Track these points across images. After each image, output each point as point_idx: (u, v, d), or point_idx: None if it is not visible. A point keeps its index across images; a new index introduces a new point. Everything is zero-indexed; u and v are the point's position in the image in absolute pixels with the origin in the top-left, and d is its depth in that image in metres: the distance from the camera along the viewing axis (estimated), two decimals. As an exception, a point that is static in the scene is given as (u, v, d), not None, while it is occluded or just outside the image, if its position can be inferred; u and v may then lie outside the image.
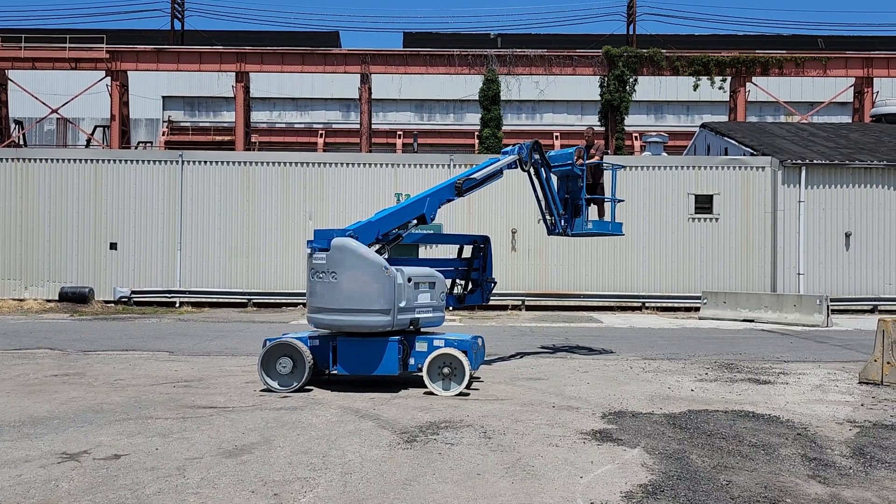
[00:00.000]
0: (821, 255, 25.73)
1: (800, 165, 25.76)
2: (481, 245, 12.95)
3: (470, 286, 12.91)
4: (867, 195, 25.84)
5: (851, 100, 41.65)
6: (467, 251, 13.20)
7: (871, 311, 24.94)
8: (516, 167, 12.46)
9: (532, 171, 12.66)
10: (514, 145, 12.74)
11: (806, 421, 8.34)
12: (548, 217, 13.06)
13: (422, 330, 10.42)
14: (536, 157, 12.57)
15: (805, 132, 31.30)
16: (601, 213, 13.66)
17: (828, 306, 20.87)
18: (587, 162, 13.04)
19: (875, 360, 10.84)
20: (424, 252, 23.32)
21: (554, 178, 13.13)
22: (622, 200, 14.78)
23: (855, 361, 13.25)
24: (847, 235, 25.73)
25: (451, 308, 12.47)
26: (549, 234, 13.52)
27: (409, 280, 9.85)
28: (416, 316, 10.00)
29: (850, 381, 11.18)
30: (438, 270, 12.57)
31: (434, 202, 11.26)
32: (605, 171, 13.58)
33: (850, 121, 41.96)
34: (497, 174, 12.21)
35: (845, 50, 43.77)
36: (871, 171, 25.85)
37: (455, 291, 12.73)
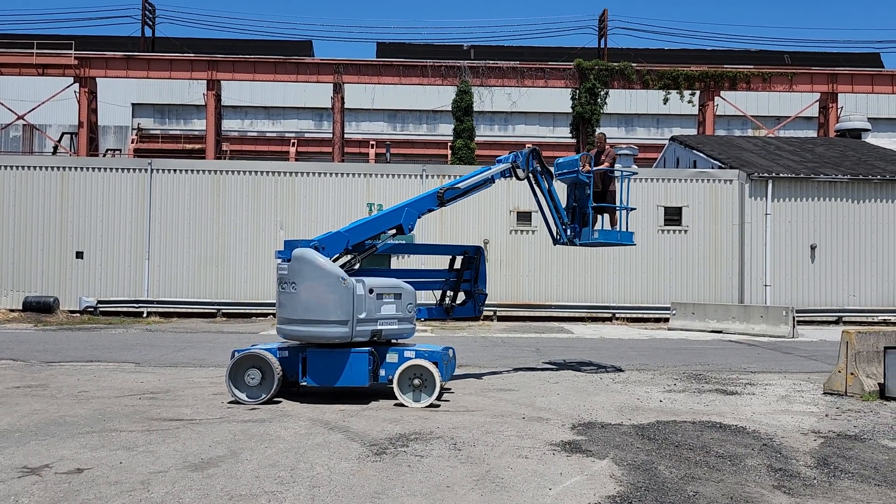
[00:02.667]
0: (787, 266, 26.17)
1: (766, 179, 26.20)
2: (472, 256, 12.54)
3: (460, 298, 12.50)
4: (832, 208, 26.36)
5: (817, 114, 42.49)
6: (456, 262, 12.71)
7: (836, 322, 25.39)
8: (510, 175, 12.12)
9: (532, 179, 12.31)
10: (510, 153, 12.42)
11: (772, 431, 8.45)
12: (552, 227, 12.68)
13: (393, 341, 10.38)
14: (535, 165, 12.20)
15: (772, 146, 31.86)
16: (613, 221, 13.05)
17: (794, 317, 21.21)
18: (594, 169, 12.57)
19: (839, 371, 11.02)
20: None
21: (562, 187, 12.73)
22: (633, 209, 14.12)
23: (820, 372, 13.47)
24: (812, 248, 26.20)
25: (423, 320, 12.35)
26: (554, 245, 13.07)
27: (371, 291, 9.76)
28: (379, 327, 9.86)
29: (814, 391, 11.36)
30: (427, 281, 12.46)
31: (413, 213, 11.09)
32: (614, 179, 13.01)
33: (815, 135, 42.77)
34: (486, 183, 11.94)
35: (811, 66, 44.68)
36: (835, 185, 26.38)
37: (445, 303, 12.37)
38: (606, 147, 13.15)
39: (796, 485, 6.37)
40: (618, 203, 13.01)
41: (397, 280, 10.36)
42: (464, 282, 12.46)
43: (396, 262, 23.58)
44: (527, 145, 42.12)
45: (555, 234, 12.74)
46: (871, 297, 26.19)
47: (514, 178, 12.26)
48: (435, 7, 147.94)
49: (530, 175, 12.29)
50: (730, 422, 8.95)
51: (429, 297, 12.76)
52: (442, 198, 11.39)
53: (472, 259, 12.54)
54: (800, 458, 7.26)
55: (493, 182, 12.13)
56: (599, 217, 13.00)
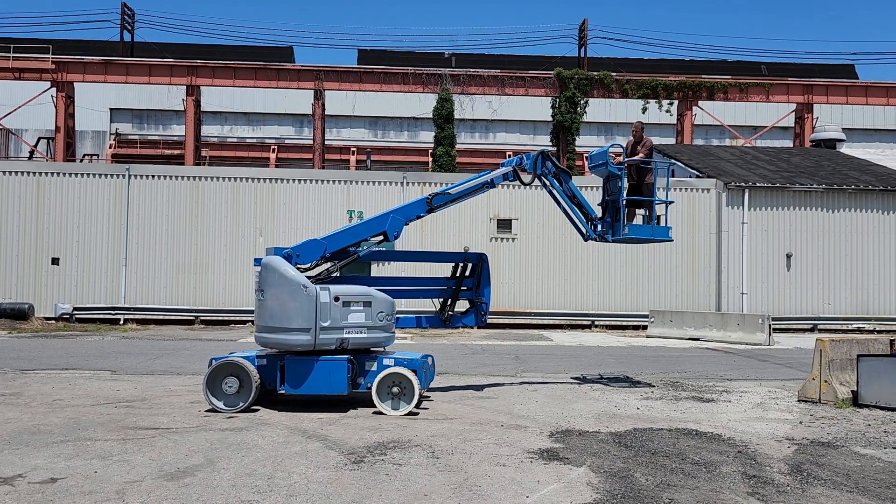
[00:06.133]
0: (763, 275, 26.46)
1: (743, 188, 26.51)
2: (475, 264, 12.00)
3: (462, 307, 12.05)
4: (807, 217, 26.72)
5: (793, 125, 43.08)
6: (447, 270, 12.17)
7: (811, 330, 25.70)
8: (513, 179, 11.68)
9: (547, 183, 11.85)
10: (517, 155, 12.01)
11: (747, 438, 8.54)
12: (578, 225, 12.08)
13: (372, 349, 10.36)
14: (550, 166, 11.70)
15: (748, 155, 32.24)
16: (651, 216, 12.14)
17: (770, 325, 21.44)
18: (625, 160, 11.91)
19: (813, 379, 11.17)
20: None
21: (578, 184, 12.23)
22: (671, 202, 13.36)
23: (794, 380, 13.63)
24: (788, 256, 26.52)
25: (411, 328, 12.09)
26: (584, 241, 12.33)
27: (337, 299, 9.71)
28: (345, 336, 9.75)
29: (789, 399, 11.49)
30: (425, 289, 12.25)
31: (398, 219, 10.93)
32: (651, 170, 12.14)
33: (791, 145, 43.36)
34: (484, 187, 11.57)
35: (787, 77, 45.26)
36: (810, 195, 26.74)
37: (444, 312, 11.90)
38: (643, 137, 12.37)
39: (770, 491, 6.45)
40: (654, 196, 12.17)
41: (367, 288, 10.17)
42: (465, 290, 11.99)
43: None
44: (507, 153, 41.88)
45: (583, 232, 12.10)
46: (845, 305, 26.55)
47: (518, 182, 11.77)
48: (416, 14, 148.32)
49: (543, 178, 11.79)
50: (706, 429, 9.03)
51: (428, 305, 12.52)
52: (430, 203, 11.12)
53: (476, 267, 12.03)
54: (774, 465, 7.35)
55: (494, 186, 11.72)
56: (640, 212, 12.25)
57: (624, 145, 12.44)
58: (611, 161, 11.77)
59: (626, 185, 11.92)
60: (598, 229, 11.97)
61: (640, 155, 12.15)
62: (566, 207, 12.06)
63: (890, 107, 46.05)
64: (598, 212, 12.21)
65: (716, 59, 53.34)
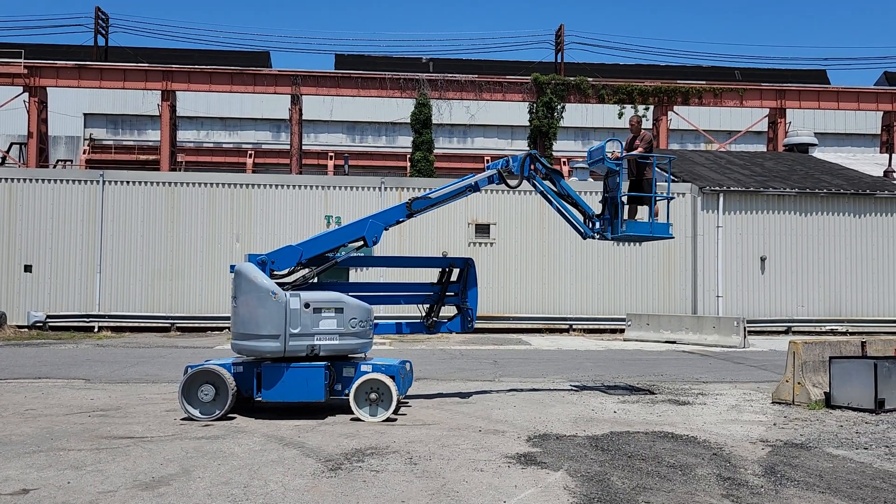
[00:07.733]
0: (738, 278, 26.75)
1: (718, 192, 26.80)
2: (459, 269, 11.84)
3: (449, 312, 11.93)
4: (780, 221, 27.06)
5: (766, 129, 43.64)
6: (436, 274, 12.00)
7: (786, 332, 26.02)
8: (499, 182, 11.52)
9: (538, 185, 11.63)
10: (501, 158, 11.80)
11: (721, 441, 8.63)
12: (577, 225, 11.86)
13: (350, 356, 10.32)
14: (540, 167, 11.50)
15: (723, 160, 32.60)
16: (655, 212, 11.85)
17: (744, 328, 21.68)
18: (624, 155, 11.67)
19: (787, 381, 11.31)
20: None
21: (575, 181, 11.98)
22: (672, 198, 12.87)
23: (769, 382, 13.79)
24: (762, 259, 26.84)
25: (392, 335, 12.04)
26: (583, 239, 12.13)
27: (308, 305, 9.67)
28: (316, 343, 9.68)
29: (763, 401, 11.63)
30: (410, 294, 12.12)
31: (378, 224, 10.86)
32: (649, 166, 11.90)
33: (764, 149, 43.88)
34: (467, 190, 11.40)
35: (760, 82, 45.83)
36: (783, 198, 27.10)
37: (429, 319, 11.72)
38: (642, 131, 12.16)
39: (744, 493, 6.52)
40: (654, 191, 11.92)
41: (339, 294, 10.05)
42: (450, 296, 11.80)
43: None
44: (486, 158, 41.73)
45: (581, 231, 11.87)
46: (818, 307, 26.91)
47: (503, 186, 11.64)
48: (394, 19, 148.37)
49: (532, 180, 11.59)
50: (681, 432, 9.11)
51: (408, 311, 12.44)
52: (410, 207, 11.02)
53: (462, 272, 11.86)
54: (748, 467, 7.43)
55: (478, 189, 11.55)
56: (643, 208, 12.02)
57: (623, 142, 12.24)
58: (608, 157, 11.57)
59: (625, 180, 11.71)
60: (596, 227, 11.80)
61: (639, 149, 11.95)
62: (560, 208, 11.84)
63: (861, 111, 46.82)
64: (599, 210, 12.00)
65: (690, 65, 53.86)
